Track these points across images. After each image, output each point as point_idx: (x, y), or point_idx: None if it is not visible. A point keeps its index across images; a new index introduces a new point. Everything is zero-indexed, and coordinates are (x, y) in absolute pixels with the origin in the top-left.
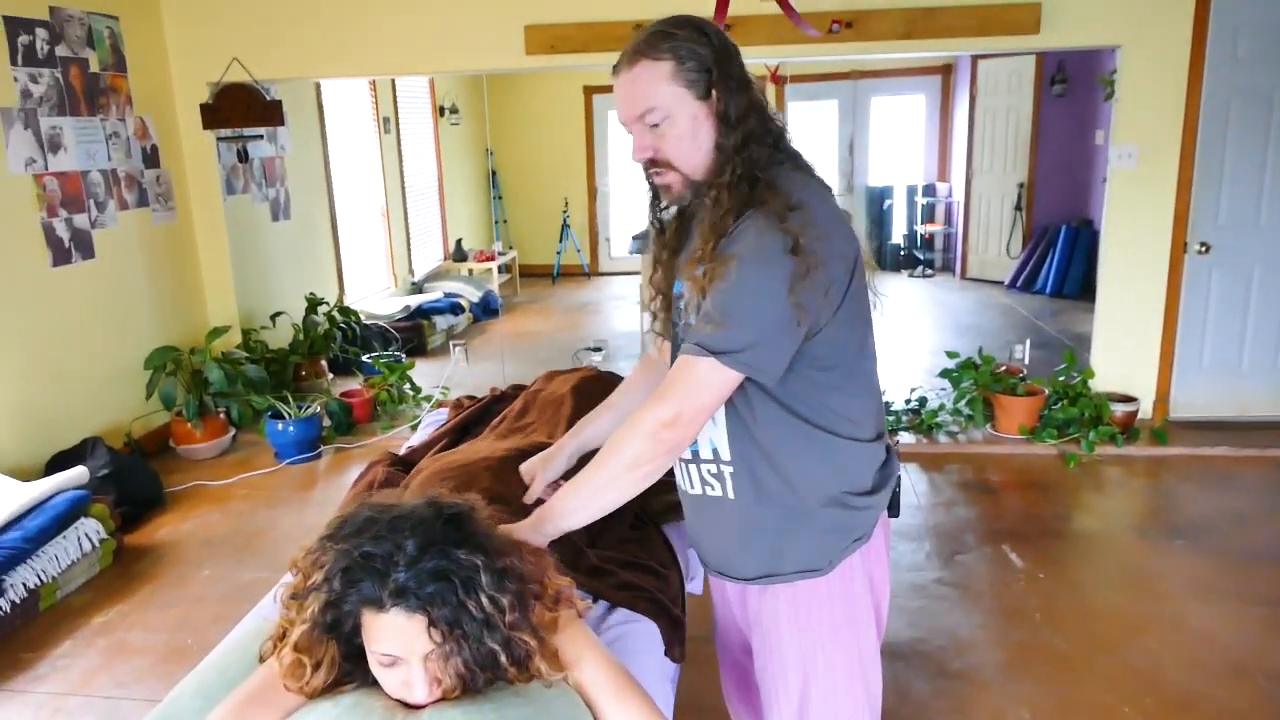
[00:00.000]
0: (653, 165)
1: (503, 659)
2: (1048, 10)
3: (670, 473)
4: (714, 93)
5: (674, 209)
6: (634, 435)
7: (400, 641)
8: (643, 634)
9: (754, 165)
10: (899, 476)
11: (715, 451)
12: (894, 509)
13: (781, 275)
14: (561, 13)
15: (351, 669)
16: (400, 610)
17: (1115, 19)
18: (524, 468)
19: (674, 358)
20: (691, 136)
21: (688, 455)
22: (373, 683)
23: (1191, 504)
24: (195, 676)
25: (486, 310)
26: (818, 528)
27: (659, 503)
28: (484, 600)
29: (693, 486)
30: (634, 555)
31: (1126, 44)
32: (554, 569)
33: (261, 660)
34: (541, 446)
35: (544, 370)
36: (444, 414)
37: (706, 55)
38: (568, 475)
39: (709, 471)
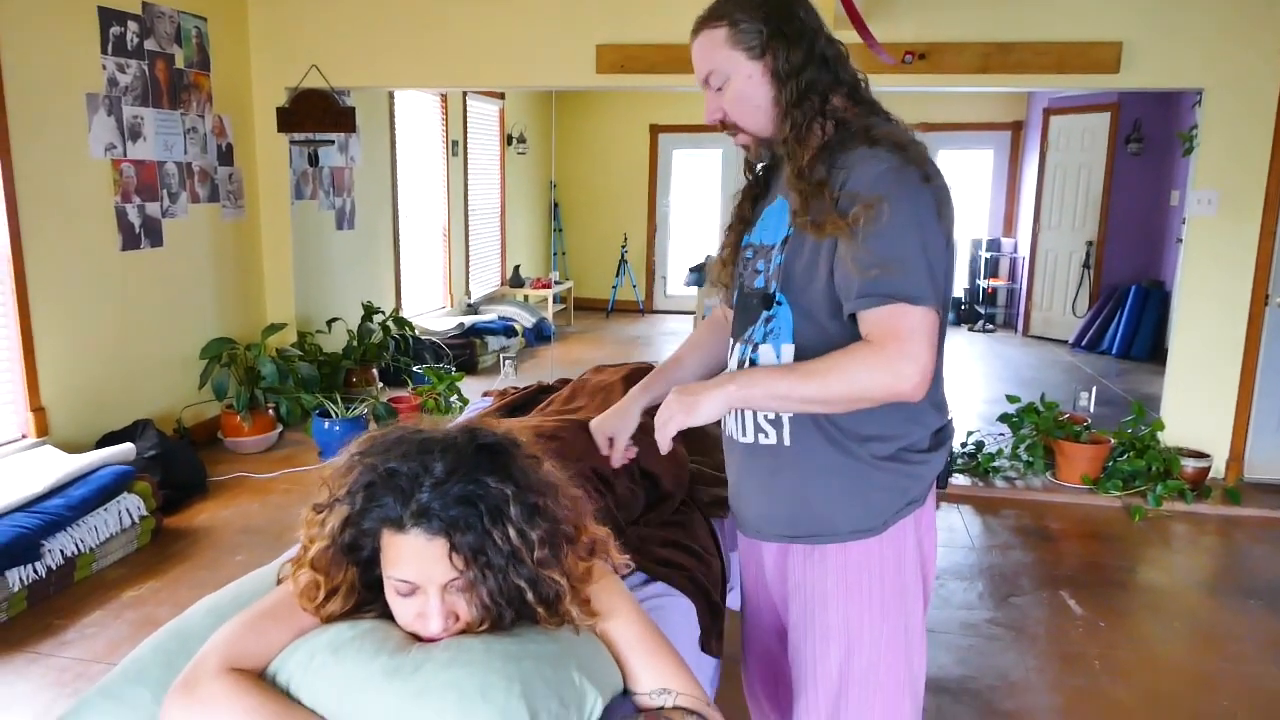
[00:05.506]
0: (724, 128)
1: (529, 596)
2: (1128, 50)
3: (720, 467)
4: (768, 52)
5: (758, 165)
6: (877, 372)
7: (419, 566)
8: (679, 609)
9: (818, 114)
10: (951, 446)
11: None
12: (943, 480)
13: (928, 203)
14: (632, 33)
15: (372, 599)
16: (421, 532)
17: (1199, 61)
18: (594, 425)
19: (737, 305)
20: (747, 98)
21: None
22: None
23: (1267, 566)
24: (210, 599)
25: (539, 336)
26: (875, 484)
27: (707, 495)
28: (511, 532)
29: (744, 434)
30: (675, 535)
31: (1210, 87)
32: (592, 517)
33: (279, 582)
34: None
35: None
36: (487, 402)
37: (759, 15)
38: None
39: (765, 417)
